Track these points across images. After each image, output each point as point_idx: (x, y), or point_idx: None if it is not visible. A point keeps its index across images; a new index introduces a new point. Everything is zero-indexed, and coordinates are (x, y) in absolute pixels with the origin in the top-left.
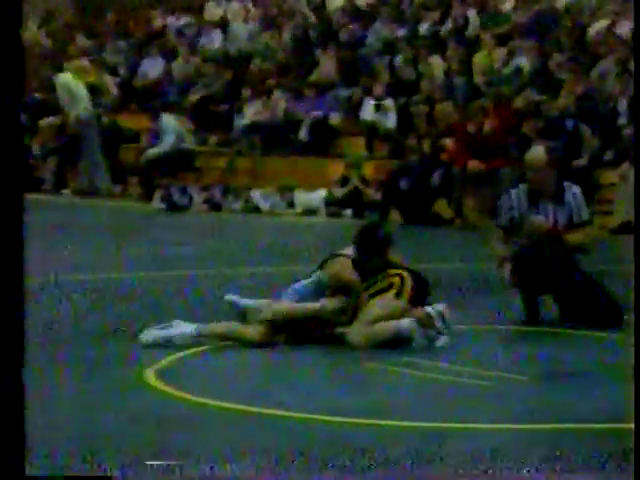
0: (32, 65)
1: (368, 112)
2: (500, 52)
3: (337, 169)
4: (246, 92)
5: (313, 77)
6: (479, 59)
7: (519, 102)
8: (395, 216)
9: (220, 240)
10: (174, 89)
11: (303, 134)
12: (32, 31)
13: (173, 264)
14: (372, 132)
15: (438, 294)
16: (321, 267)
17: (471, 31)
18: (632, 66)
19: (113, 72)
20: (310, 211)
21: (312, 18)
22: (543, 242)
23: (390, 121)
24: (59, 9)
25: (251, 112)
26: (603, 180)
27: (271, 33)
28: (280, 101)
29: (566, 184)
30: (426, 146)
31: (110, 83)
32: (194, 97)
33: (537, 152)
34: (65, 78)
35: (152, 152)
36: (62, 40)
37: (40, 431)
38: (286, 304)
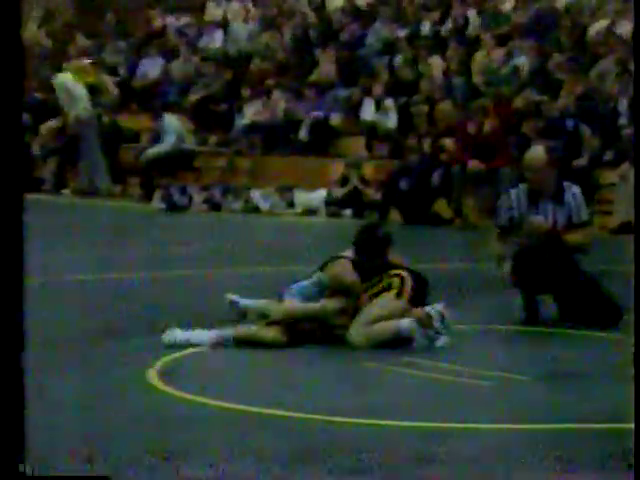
0: (32, 65)
1: (368, 112)
2: (499, 52)
3: (337, 169)
4: (246, 92)
5: (313, 77)
6: (478, 59)
7: (519, 102)
8: (395, 216)
9: (220, 240)
10: (174, 89)
11: (303, 134)
12: (32, 31)
13: (173, 264)
14: (372, 132)
15: (438, 294)
16: (321, 269)
17: (471, 31)
18: (632, 66)
19: (113, 72)
20: (310, 211)
21: (312, 18)
22: (543, 242)
23: (390, 121)
24: (59, 9)
25: (251, 112)
26: (603, 180)
27: (271, 33)
28: (280, 101)
29: (566, 184)
30: (426, 146)
31: (110, 83)
32: (194, 97)
33: (537, 152)
34: (64, 78)
35: (152, 152)
36: (62, 40)
37: (40, 431)
38: (289, 304)
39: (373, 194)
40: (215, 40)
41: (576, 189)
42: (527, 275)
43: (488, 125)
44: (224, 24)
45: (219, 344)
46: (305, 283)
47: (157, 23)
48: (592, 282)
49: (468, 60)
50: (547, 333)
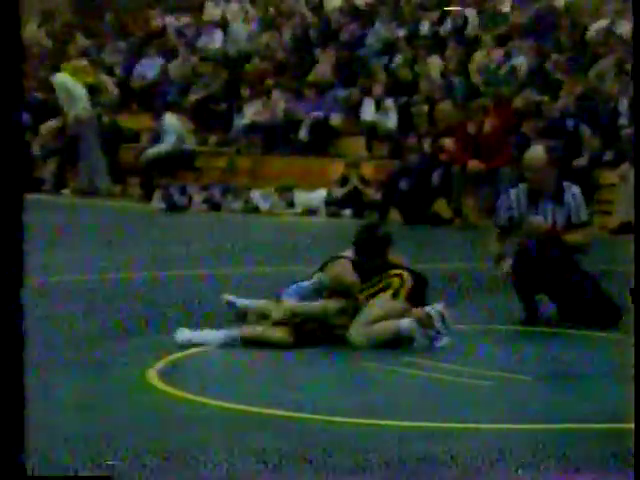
0: (32, 65)
1: (368, 112)
2: (498, 52)
3: (337, 169)
4: (246, 92)
5: (312, 77)
6: (477, 59)
7: (519, 102)
8: (395, 216)
9: (220, 240)
10: (174, 89)
11: (303, 134)
12: (32, 31)
13: (173, 264)
14: (372, 132)
15: (438, 294)
16: (321, 269)
17: (470, 31)
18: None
19: (112, 72)
20: (310, 211)
21: (311, 18)
22: (542, 242)
23: (390, 121)
24: (59, 9)
25: (251, 112)
26: (603, 180)
27: (270, 33)
28: (280, 101)
29: (566, 184)
30: (426, 146)
31: (109, 83)
32: (194, 97)
33: (536, 152)
34: (63, 78)
35: (152, 152)
36: (62, 40)
37: (40, 431)
38: (292, 303)
39: (373, 194)
40: (214, 40)
41: (576, 189)
42: (526, 274)
43: (488, 125)
44: (223, 24)
45: (227, 344)
46: (305, 283)
47: (156, 23)
48: (592, 282)
49: (467, 60)
50: (547, 333)
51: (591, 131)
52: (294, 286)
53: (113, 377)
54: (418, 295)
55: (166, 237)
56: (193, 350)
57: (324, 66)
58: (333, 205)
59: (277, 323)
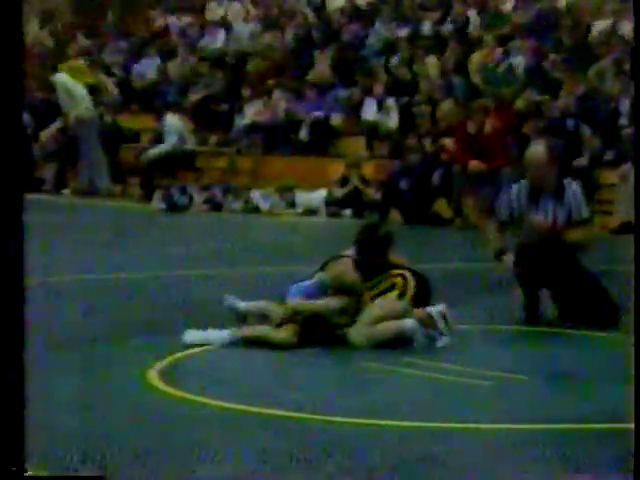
0: (32, 65)
1: (370, 112)
2: (499, 52)
3: (337, 169)
4: (246, 92)
5: (313, 77)
6: (476, 58)
7: (520, 102)
8: (395, 216)
9: (220, 240)
10: (174, 89)
11: (303, 134)
12: (33, 31)
13: (173, 264)
14: (373, 132)
15: (438, 294)
16: (322, 268)
17: (471, 31)
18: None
19: (113, 72)
20: (310, 211)
21: (312, 18)
22: (543, 240)
23: (392, 121)
24: (59, 9)
25: (251, 112)
26: (603, 180)
27: (272, 33)
28: (280, 101)
29: (566, 181)
30: (427, 146)
31: (109, 83)
32: (194, 97)
33: (537, 149)
34: (63, 78)
35: (152, 152)
36: (62, 40)
37: (40, 431)
38: (293, 303)
39: (373, 194)
40: (217, 40)
41: (576, 186)
42: (528, 271)
43: (488, 125)
44: (225, 24)
45: (232, 344)
46: (306, 283)
47: (158, 23)
48: (592, 281)
49: (465, 60)
50: (547, 333)
51: (591, 131)
52: (294, 286)
53: (113, 377)
54: (421, 295)
55: (166, 237)
56: (193, 350)
57: (325, 66)
58: (333, 205)
59: (280, 324)
